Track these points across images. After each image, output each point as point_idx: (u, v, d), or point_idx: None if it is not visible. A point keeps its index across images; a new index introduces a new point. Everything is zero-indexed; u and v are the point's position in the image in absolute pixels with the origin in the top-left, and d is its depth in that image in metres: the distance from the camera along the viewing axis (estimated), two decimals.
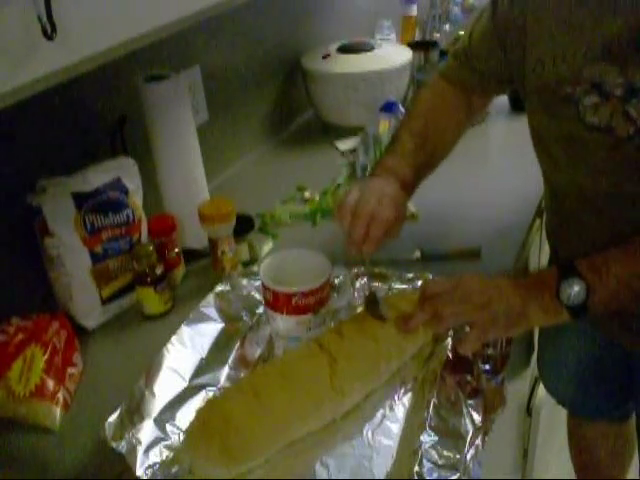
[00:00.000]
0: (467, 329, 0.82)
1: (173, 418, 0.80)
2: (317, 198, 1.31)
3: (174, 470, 0.73)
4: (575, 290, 0.76)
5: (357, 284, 1.02)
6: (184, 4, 0.69)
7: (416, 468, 0.71)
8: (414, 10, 2.02)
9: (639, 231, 0.79)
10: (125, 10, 0.61)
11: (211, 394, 0.84)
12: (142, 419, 0.79)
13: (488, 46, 0.95)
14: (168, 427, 0.78)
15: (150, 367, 0.86)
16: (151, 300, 1.01)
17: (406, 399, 0.81)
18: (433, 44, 1.77)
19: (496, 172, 1.40)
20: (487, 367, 0.84)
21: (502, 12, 0.91)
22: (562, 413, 1.43)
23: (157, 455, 0.75)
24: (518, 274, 0.84)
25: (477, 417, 0.77)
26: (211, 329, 0.95)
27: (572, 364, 1.16)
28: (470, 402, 0.80)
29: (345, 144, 1.54)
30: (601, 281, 0.76)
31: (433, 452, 0.73)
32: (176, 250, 1.09)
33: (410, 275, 1.02)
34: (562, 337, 1.14)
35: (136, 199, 1.02)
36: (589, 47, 0.77)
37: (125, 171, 1.01)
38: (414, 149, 0.97)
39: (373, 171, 0.97)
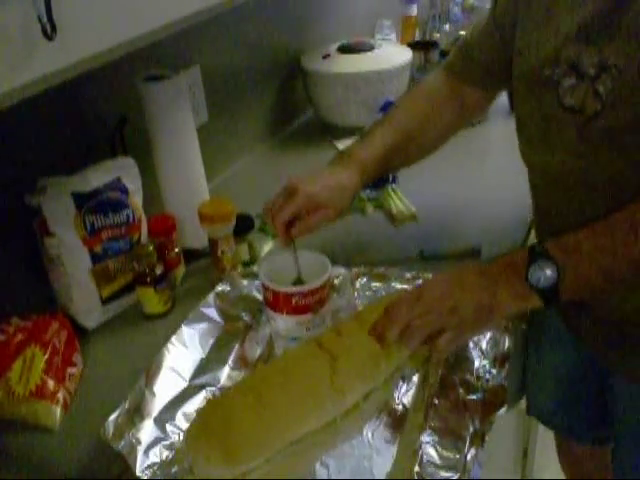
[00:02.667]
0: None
1: (173, 418, 0.80)
2: None
3: (174, 470, 0.73)
4: (545, 273, 0.73)
5: (357, 284, 1.02)
6: (184, 4, 0.69)
7: (416, 468, 0.71)
8: (414, 10, 2.02)
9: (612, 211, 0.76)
10: (125, 10, 0.61)
11: (211, 394, 0.84)
12: (142, 419, 0.79)
13: (489, 39, 0.96)
14: (168, 427, 0.79)
15: (150, 367, 0.86)
16: (151, 300, 1.01)
17: (406, 399, 0.81)
18: (433, 44, 1.77)
19: (496, 172, 1.40)
20: (487, 367, 0.84)
21: (501, 5, 0.93)
22: None
23: (157, 455, 0.75)
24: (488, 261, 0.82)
25: (477, 417, 0.77)
26: (211, 329, 0.95)
27: (553, 382, 1.14)
28: (470, 402, 0.80)
29: (345, 144, 1.53)
30: (572, 261, 0.73)
31: (433, 452, 0.73)
32: (176, 250, 1.09)
33: (410, 275, 1.02)
34: (546, 354, 1.13)
35: (136, 199, 1.02)
36: (567, 28, 0.77)
37: (125, 171, 1.01)
38: (381, 134, 0.98)
39: (332, 159, 1.00)
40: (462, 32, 1.95)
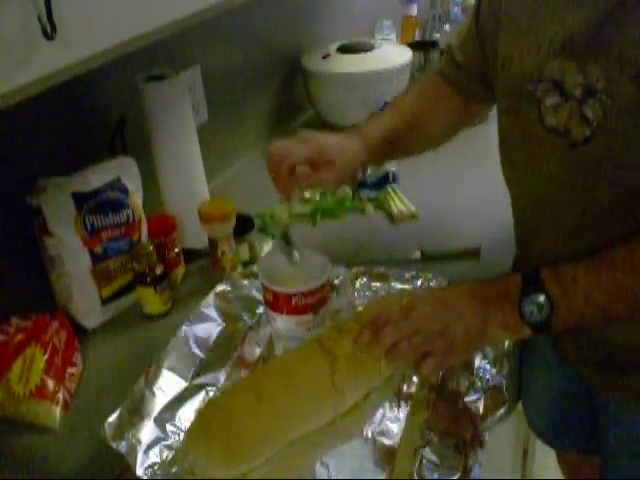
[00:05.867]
0: None
1: (173, 418, 0.80)
2: (317, 198, 1.31)
3: (174, 470, 0.73)
4: (539, 307, 0.70)
5: (357, 284, 1.02)
6: (184, 4, 0.69)
7: (416, 468, 0.71)
8: (414, 10, 2.02)
9: (597, 241, 0.74)
10: (125, 10, 0.61)
11: (211, 394, 0.84)
12: (142, 419, 0.79)
13: (471, 47, 0.93)
14: (168, 427, 0.79)
15: (150, 367, 0.86)
16: (151, 300, 1.01)
17: (406, 399, 0.81)
18: (433, 44, 1.77)
19: (496, 172, 1.40)
20: (487, 366, 0.84)
21: (483, 9, 0.89)
22: None
23: (157, 455, 0.75)
24: (482, 282, 0.79)
25: (477, 417, 0.77)
26: (211, 329, 0.95)
27: (546, 400, 1.13)
28: (470, 402, 0.80)
29: None
30: (567, 298, 0.71)
31: (433, 452, 0.73)
32: (176, 250, 1.09)
33: (410, 275, 1.02)
34: (538, 374, 1.12)
35: (136, 199, 1.02)
36: (551, 42, 0.73)
37: (125, 171, 1.01)
38: (390, 116, 0.96)
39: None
40: None
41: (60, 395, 0.85)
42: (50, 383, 0.85)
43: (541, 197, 0.82)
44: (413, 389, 0.82)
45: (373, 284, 1.02)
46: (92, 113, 1.08)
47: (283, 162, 0.84)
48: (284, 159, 0.84)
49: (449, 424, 0.77)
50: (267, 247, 1.16)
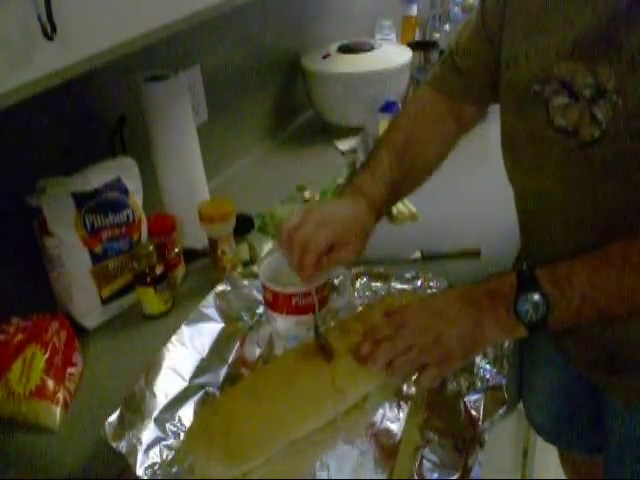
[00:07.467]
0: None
1: (173, 418, 0.80)
2: (317, 198, 1.31)
3: (174, 470, 0.73)
4: (534, 306, 0.69)
5: (357, 284, 1.02)
6: (184, 4, 0.69)
7: (416, 468, 0.71)
8: (414, 10, 2.02)
9: (604, 240, 0.73)
10: (125, 10, 0.61)
11: (211, 394, 0.84)
12: (142, 419, 0.79)
13: (477, 44, 0.91)
14: (168, 427, 0.79)
15: (150, 367, 0.86)
16: (151, 300, 1.01)
17: (406, 399, 0.81)
18: (433, 44, 1.77)
19: (496, 172, 1.40)
20: (487, 367, 0.84)
21: (489, 8, 0.88)
22: None
23: (157, 455, 0.75)
24: (473, 284, 0.77)
25: (477, 417, 0.77)
26: (211, 329, 0.95)
27: (547, 398, 1.13)
28: (470, 402, 0.80)
29: (345, 144, 1.54)
30: (563, 296, 0.70)
31: (433, 452, 0.73)
32: (176, 250, 1.09)
33: (410, 275, 1.02)
34: (539, 372, 1.12)
35: (136, 199, 1.02)
36: (561, 44, 0.73)
37: (125, 171, 1.01)
38: (389, 165, 0.90)
39: (342, 190, 0.91)
40: None
41: (60, 395, 0.85)
42: (50, 383, 0.85)
43: (548, 196, 0.81)
44: (413, 389, 0.82)
45: (373, 284, 1.02)
46: (92, 113, 1.08)
47: (306, 254, 0.78)
48: (306, 250, 0.77)
49: (449, 424, 0.77)
50: (267, 247, 1.16)
